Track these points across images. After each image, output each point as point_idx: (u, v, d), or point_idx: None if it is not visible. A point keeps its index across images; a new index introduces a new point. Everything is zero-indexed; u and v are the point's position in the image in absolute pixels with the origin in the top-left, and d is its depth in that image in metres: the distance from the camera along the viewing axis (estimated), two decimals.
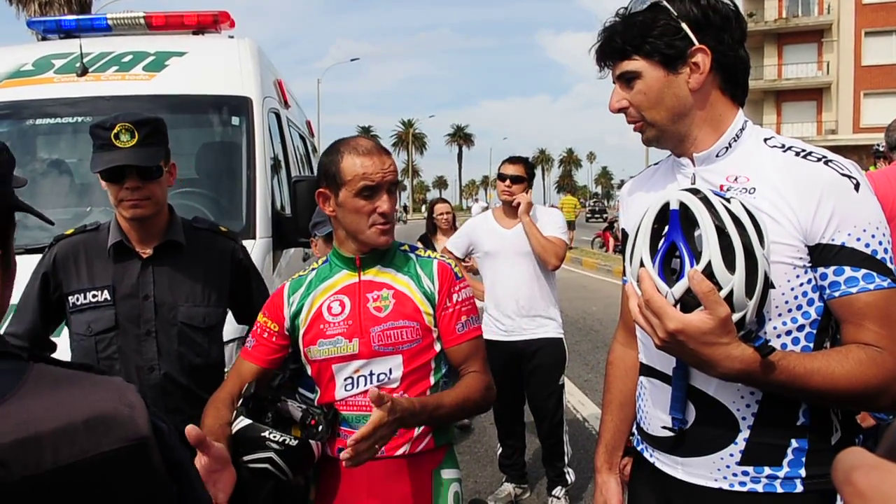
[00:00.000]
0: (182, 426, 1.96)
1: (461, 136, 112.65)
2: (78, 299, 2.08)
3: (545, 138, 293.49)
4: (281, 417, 1.77)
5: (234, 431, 1.66)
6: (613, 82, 1.43)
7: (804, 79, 34.81)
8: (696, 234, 1.19)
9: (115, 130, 1.96)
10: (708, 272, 1.16)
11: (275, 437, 1.62)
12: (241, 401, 1.73)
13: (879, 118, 32.73)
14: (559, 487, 3.96)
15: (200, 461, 1.48)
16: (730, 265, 1.16)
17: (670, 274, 1.22)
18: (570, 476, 4.00)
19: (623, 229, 1.64)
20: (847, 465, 0.38)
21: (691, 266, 1.17)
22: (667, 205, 1.23)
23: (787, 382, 1.21)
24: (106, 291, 2.06)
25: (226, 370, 2.32)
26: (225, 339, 2.31)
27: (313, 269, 1.87)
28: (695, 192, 1.22)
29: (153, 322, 2.08)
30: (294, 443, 1.63)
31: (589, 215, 49.62)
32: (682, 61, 1.33)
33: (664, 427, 1.41)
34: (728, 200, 1.21)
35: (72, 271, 2.10)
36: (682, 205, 1.20)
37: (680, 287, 1.18)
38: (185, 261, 2.14)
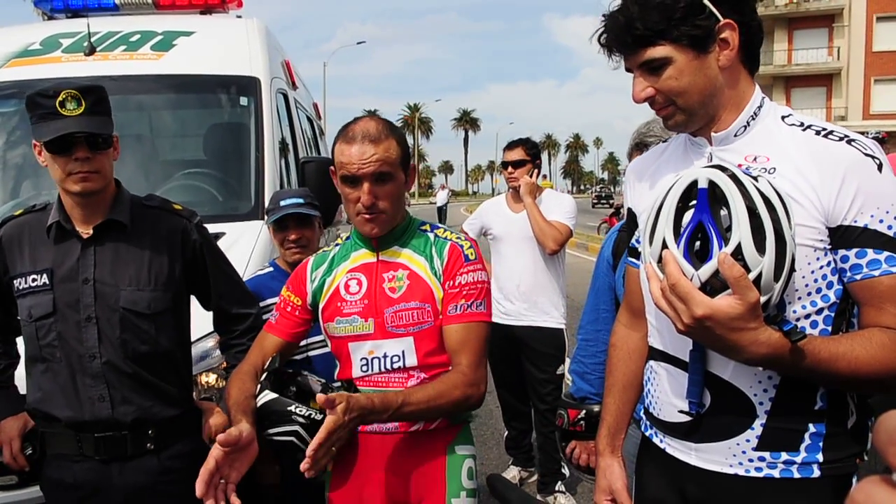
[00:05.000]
0: (134, 419, 1.94)
1: (467, 121, 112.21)
2: (20, 284, 1.96)
3: (552, 123, 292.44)
4: (302, 392, 1.78)
5: (259, 404, 1.67)
6: (629, 70, 1.37)
7: (814, 64, 34.48)
8: (723, 213, 1.16)
9: (59, 98, 1.83)
10: (737, 254, 1.13)
11: (301, 411, 1.64)
12: (265, 374, 1.73)
13: (890, 105, 32.46)
14: (560, 482, 3.90)
15: (221, 450, 1.52)
16: (760, 247, 1.12)
17: (694, 255, 1.18)
18: (567, 469, 3.91)
19: (630, 209, 1.59)
20: (891, 426, 0.37)
21: (720, 248, 1.14)
22: (694, 182, 1.18)
23: (811, 367, 1.19)
24: (45, 275, 1.93)
25: (195, 372, 2.23)
26: (196, 335, 2.19)
27: (337, 245, 1.88)
28: (723, 169, 1.18)
29: (93, 307, 1.92)
30: (320, 417, 1.63)
31: (595, 201, 49.43)
32: (711, 40, 1.28)
33: (681, 411, 1.38)
34: (756, 179, 1.17)
35: (16, 254, 1.98)
36: (711, 183, 1.16)
37: (707, 270, 1.15)
38: (130, 241, 1.98)
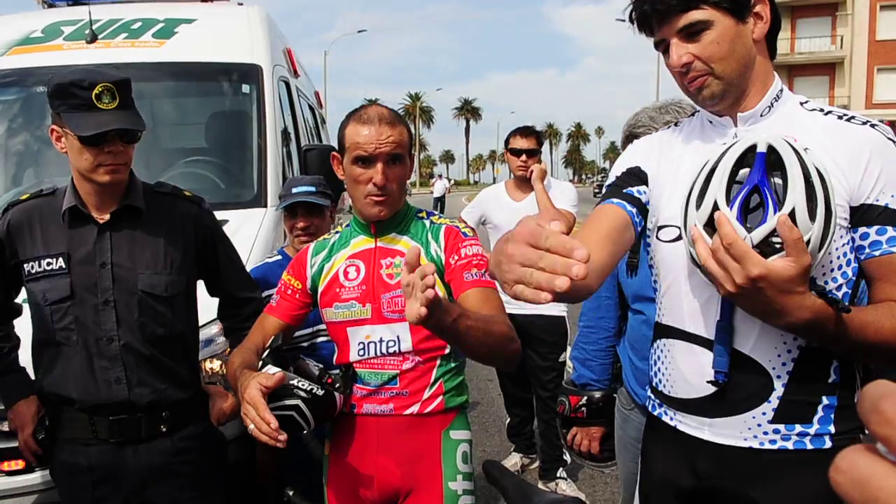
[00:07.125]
0: (149, 402, 1.96)
1: (468, 110, 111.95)
2: (33, 267, 1.96)
3: (553, 112, 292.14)
4: (299, 375, 1.79)
5: None
6: (663, 41, 1.37)
7: (817, 53, 34.34)
8: (776, 180, 1.17)
9: (96, 91, 1.84)
10: (790, 218, 1.14)
11: (302, 385, 1.65)
12: (266, 352, 1.75)
13: (893, 94, 32.35)
14: (561, 469, 3.92)
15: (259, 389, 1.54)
16: (811, 214, 1.15)
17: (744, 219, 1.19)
18: (568, 456, 3.90)
19: (632, 167, 1.56)
20: (874, 394, 0.38)
21: (775, 212, 1.15)
22: (750, 148, 1.20)
23: (842, 333, 1.21)
24: (61, 259, 1.94)
25: (200, 357, 2.24)
26: (201, 321, 2.23)
27: (337, 232, 1.92)
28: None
29: (111, 291, 1.94)
30: (321, 392, 1.66)
31: (597, 190, 49.37)
32: (747, 10, 1.32)
33: (709, 382, 1.37)
34: (806, 150, 1.20)
35: (26, 238, 1.98)
36: (771, 148, 1.18)
37: (761, 232, 1.15)
38: (145, 226, 2.01)
